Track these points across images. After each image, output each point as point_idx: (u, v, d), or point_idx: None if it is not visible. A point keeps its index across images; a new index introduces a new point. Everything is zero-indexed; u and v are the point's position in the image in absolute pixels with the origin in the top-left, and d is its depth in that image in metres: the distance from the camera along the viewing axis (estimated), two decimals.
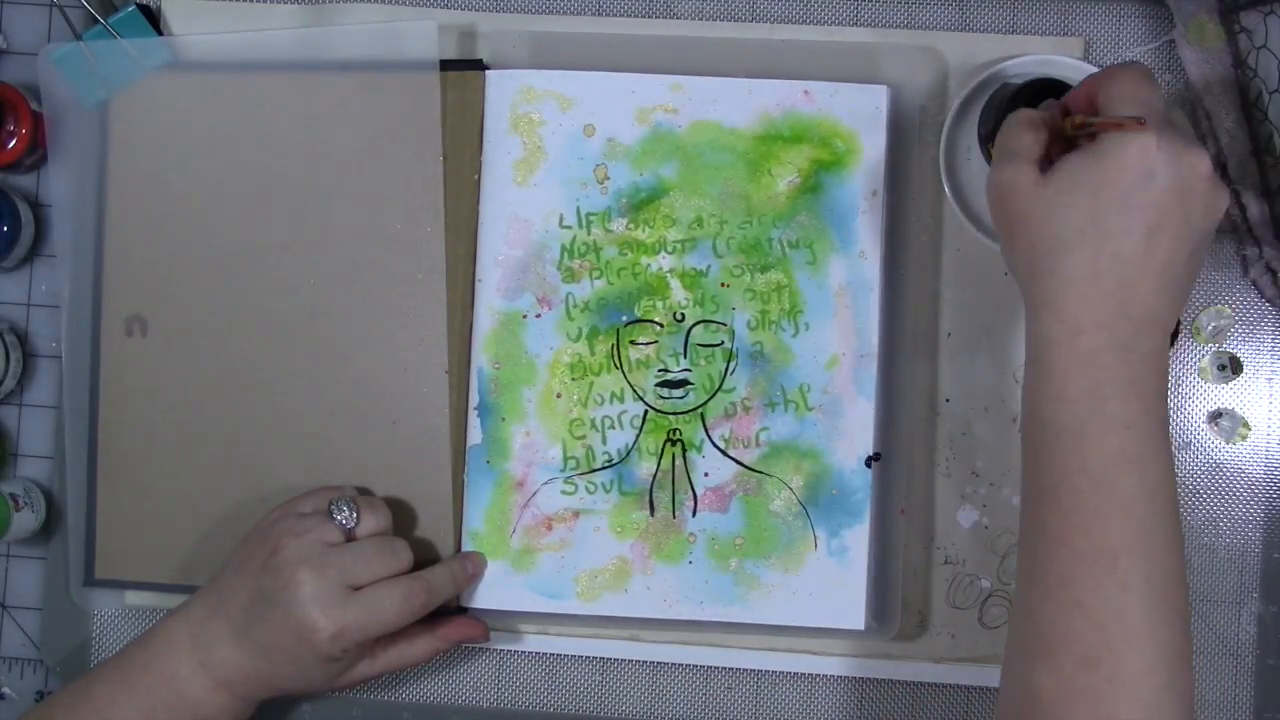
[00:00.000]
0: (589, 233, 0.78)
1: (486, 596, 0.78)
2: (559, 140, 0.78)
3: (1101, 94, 0.62)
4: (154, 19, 0.81)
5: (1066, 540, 0.59)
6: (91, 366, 0.80)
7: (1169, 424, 0.61)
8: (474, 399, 0.78)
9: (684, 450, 0.78)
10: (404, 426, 0.78)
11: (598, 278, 0.78)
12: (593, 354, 0.78)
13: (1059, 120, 0.65)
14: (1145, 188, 0.59)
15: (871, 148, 0.78)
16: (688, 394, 0.78)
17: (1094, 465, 0.59)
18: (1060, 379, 0.60)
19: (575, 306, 0.78)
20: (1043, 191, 0.61)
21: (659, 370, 0.78)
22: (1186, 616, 0.60)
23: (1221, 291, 0.80)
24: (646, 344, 0.78)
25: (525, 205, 0.78)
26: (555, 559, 0.78)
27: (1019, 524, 0.63)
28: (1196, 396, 0.79)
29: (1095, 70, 0.76)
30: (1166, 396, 0.61)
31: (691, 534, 0.77)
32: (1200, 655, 0.79)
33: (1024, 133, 0.63)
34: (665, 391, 0.78)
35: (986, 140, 0.77)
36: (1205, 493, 0.79)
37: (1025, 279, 0.63)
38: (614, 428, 0.78)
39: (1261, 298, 0.79)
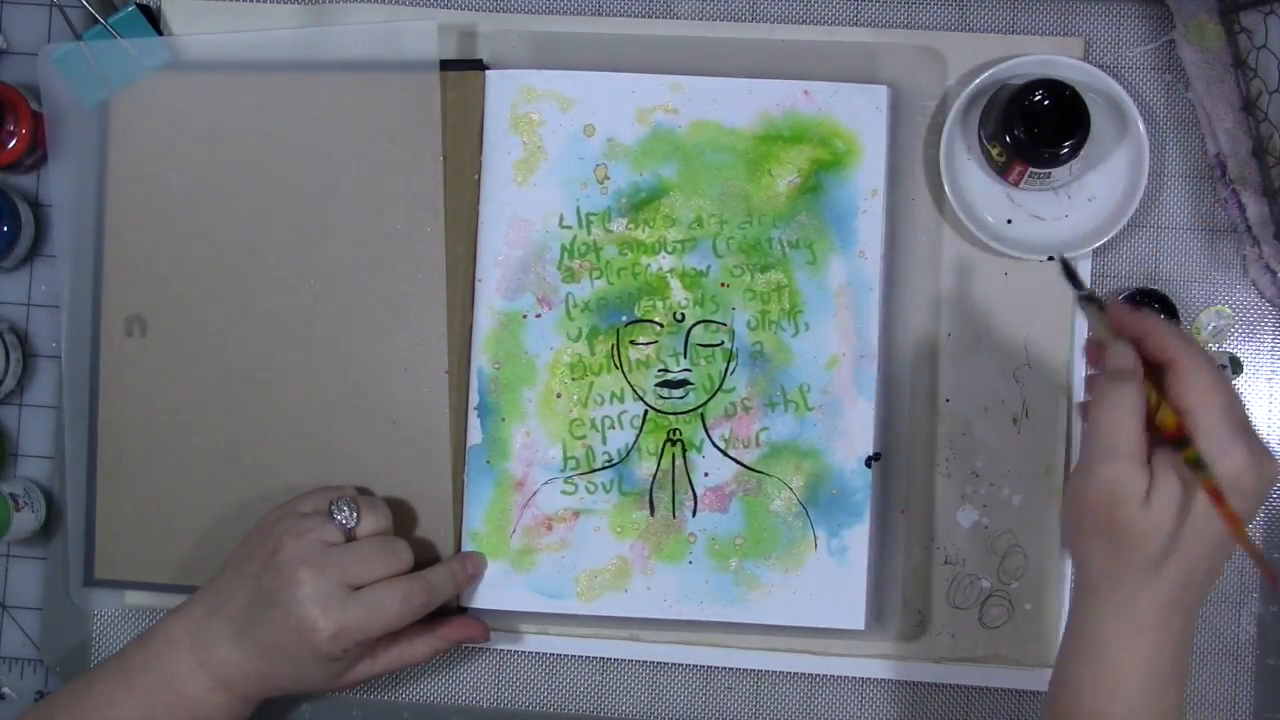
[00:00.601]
0: (589, 233, 0.78)
1: (486, 596, 0.78)
2: (559, 140, 0.78)
3: (1171, 379, 0.60)
4: (154, 19, 0.81)
5: None
6: (91, 366, 0.80)
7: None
8: (474, 399, 0.78)
9: (684, 450, 0.78)
10: (404, 426, 0.78)
11: (598, 278, 0.78)
12: (593, 354, 0.78)
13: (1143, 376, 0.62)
14: (1242, 497, 0.59)
15: (871, 148, 0.78)
16: (688, 394, 0.78)
17: None
18: (1117, 674, 0.61)
19: (575, 306, 0.78)
20: (1149, 514, 0.60)
21: (659, 370, 0.78)
22: None
23: (1221, 291, 0.80)
24: (646, 344, 0.78)
25: (525, 205, 0.78)
26: (555, 559, 0.78)
27: None
28: None
29: (1097, 71, 0.76)
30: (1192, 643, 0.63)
31: (691, 534, 0.77)
32: (1200, 655, 0.79)
33: (1133, 423, 0.60)
34: (665, 391, 0.78)
35: (987, 141, 0.77)
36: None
37: (1092, 570, 0.62)
38: (614, 428, 0.78)
39: (1261, 298, 0.79)
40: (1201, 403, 0.59)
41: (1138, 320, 0.63)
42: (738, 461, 0.77)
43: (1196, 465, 0.59)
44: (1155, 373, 0.61)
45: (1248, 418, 0.61)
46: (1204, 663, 0.79)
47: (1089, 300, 0.66)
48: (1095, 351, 0.66)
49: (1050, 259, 0.76)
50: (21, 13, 0.84)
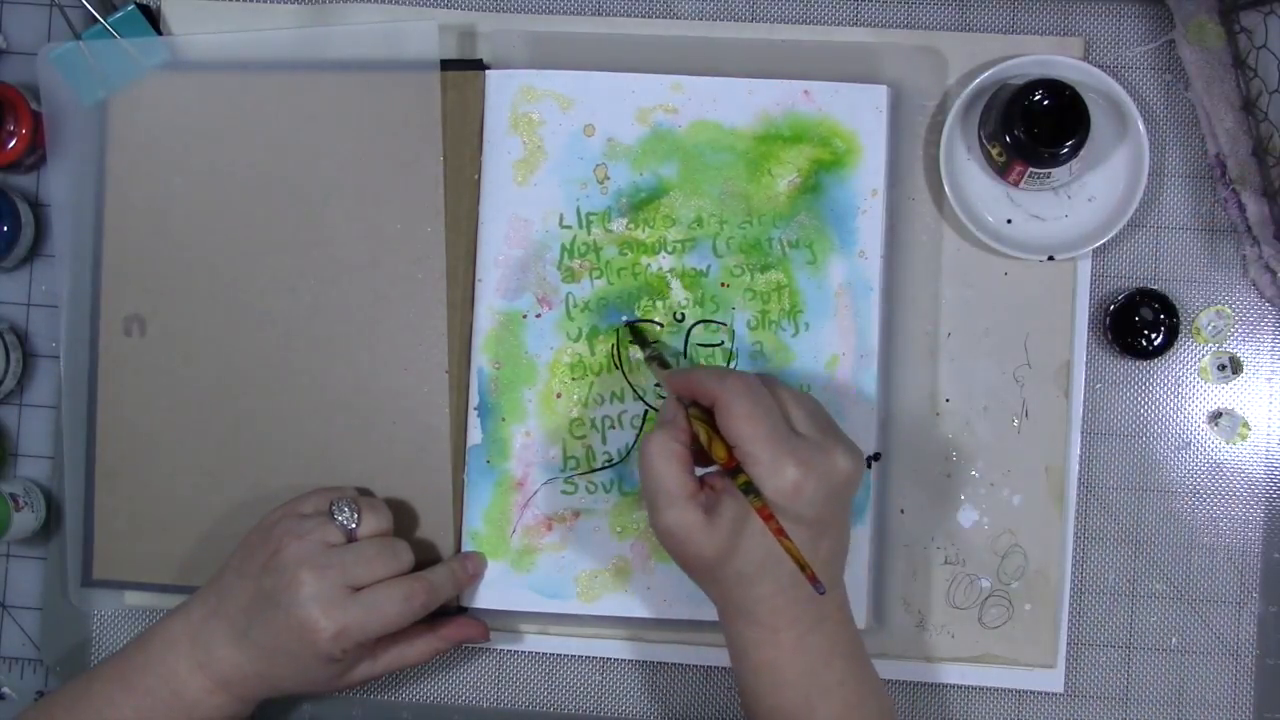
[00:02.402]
0: (589, 233, 0.78)
1: (486, 596, 0.78)
2: (559, 140, 0.78)
3: (719, 413, 0.64)
4: (154, 19, 0.81)
5: None
6: (90, 366, 0.80)
7: (862, 643, 0.67)
8: (474, 399, 0.78)
9: None
10: (404, 426, 0.78)
11: (598, 277, 0.78)
12: (593, 354, 0.78)
13: (688, 425, 0.66)
14: (796, 516, 0.62)
15: (871, 148, 0.78)
16: None
17: None
18: (774, 670, 0.66)
19: (575, 306, 0.78)
20: (717, 540, 0.64)
21: None
22: None
23: (1221, 291, 0.80)
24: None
25: (525, 205, 0.78)
26: (555, 559, 0.78)
27: None
28: (1196, 396, 0.79)
29: (1097, 71, 0.76)
30: (853, 622, 0.67)
31: None
32: (1200, 655, 0.79)
33: (672, 469, 0.65)
34: (665, 392, 0.78)
35: (987, 141, 0.77)
36: (1205, 493, 0.79)
37: (715, 598, 0.67)
38: (614, 427, 0.78)
39: (1261, 298, 0.79)
40: (744, 433, 0.63)
41: (684, 376, 0.67)
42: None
43: (747, 490, 0.62)
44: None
45: (799, 428, 0.64)
46: (1204, 663, 0.79)
47: (657, 362, 0.74)
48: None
49: (649, 362, 0.76)
50: (21, 13, 0.84)
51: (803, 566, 0.61)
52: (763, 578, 0.64)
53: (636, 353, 0.78)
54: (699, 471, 0.66)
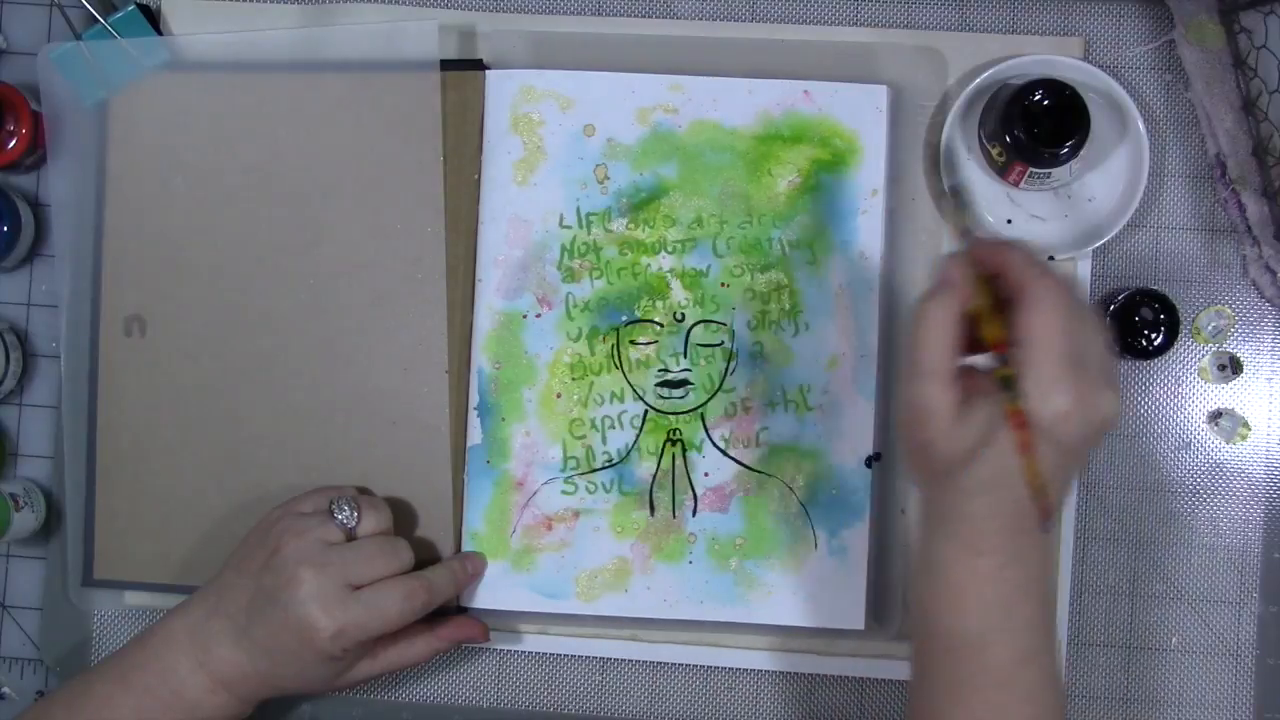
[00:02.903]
0: (589, 233, 0.78)
1: (486, 596, 0.78)
2: (559, 140, 0.78)
3: (1020, 304, 0.58)
4: (154, 19, 0.81)
5: None
6: (91, 366, 0.80)
7: (1052, 591, 0.63)
8: (474, 399, 0.78)
9: (684, 450, 0.78)
10: (404, 426, 0.78)
11: (598, 278, 0.78)
12: (593, 354, 0.78)
13: (968, 293, 0.61)
14: (1056, 451, 0.58)
15: (871, 148, 0.78)
16: (688, 394, 0.78)
17: (997, 668, 0.61)
18: (961, 593, 0.61)
19: (575, 306, 0.78)
20: (958, 433, 0.59)
21: (659, 370, 0.78)
22: None
23: (1221, 291, 0.80)
24: (646, 344, 0.78)
25: (525, 205, 0.78)
26: (555, 559, 0.78)
27: (909, 703, 0.64)
28: (1196, 396, 0.79)
29: (1097, 71, 0.76)
30: (1051, 567, 0.63)
31: (691, 534, 0.77)
32: (1200, 655, 0.79)
33: (943, 341, 0.59)
34: (665, 391, 0.78)
35: (987, 141, 0.77)
36: (1205, 493, 0.79)
37: (925, 494, 0.63)
38: (614, 428, 0.78)
39: (1261, 298, 0.79)
40: (1037, 338, 0.57)
41: (997, 247, 0.61)
42: (738, 461, 0.77)
43: (1005, 385, 0.58)
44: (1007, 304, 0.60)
45: (1086, 357, 0.58)
46: (1204, 663, 0.79)
47: (957, 198, 0.67)
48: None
49: (953, 195, 0.71)
50: (21, 13, 0.84)
51: (1037, 493, 0.57)
52: (982, 495, 0.59)
53: (636, 352, 0.78)
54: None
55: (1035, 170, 0.75)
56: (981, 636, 0.61)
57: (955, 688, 0.62)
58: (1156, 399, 0.79)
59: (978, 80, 0.77)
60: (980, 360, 0.61)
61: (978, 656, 0.61)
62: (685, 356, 0.78)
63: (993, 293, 0.60)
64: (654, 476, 0.78)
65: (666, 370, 0.78)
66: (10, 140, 0.80)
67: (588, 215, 0.78)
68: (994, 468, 0.59)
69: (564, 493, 0.78)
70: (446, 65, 0.79)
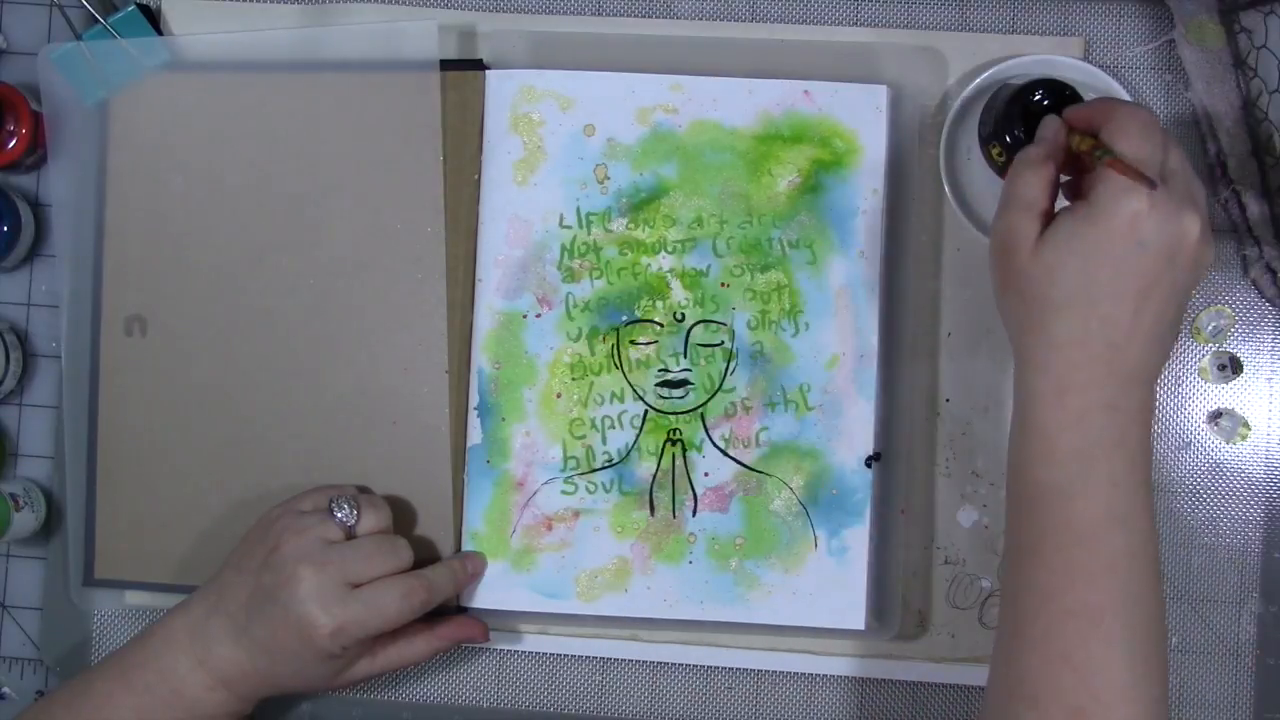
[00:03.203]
0: (589, 233, 0.78)
1: (486, 596, 0.78)
2: (559, 140, 0.78)
3: (1106, 129, 0.62)
4: (154, 19, 0.81)
5: (1052, 596, 0.60)
6: (91, 366, 0.80)
7: (1151, 477, 0.62)
8: (474, 399, 0.78)
9: (684, 450, 0.78)
10: (404, 426, 0.78)
11: (598, 278, 0.78)
12: (593, 354, 0.78)
13: (1064, 144, 0.64)
14: (1137, 254, 0.60)
15: (871, 148, 0.78)
16: (688, 394, 0.78)
17: (1081, 523, 0.60)
18: (1048, 438, 0.61)
19: (575, 306, 0.78)
20: (1040, 251, 0.61)
21: (659, 370, 0.78)
22: (1166, 670, 0.61)
23: (1221, 291, 0.80)
24: (646, 344, 0.78)
25: (525, 205, 0.78)
26: (555, 559, 0.78)
27: (1001, 574, 0.63)
28: (1196, 396, 0.79)
29: (1097, 71, 0.76)
30: (1150, 448, 0.62)
31: (691, 534, 0.77)
32: (1200, 655, 0.79)
33: (1033, 178, 0.63)
34: (665, 391, 0.78)
35: (987, 140, 0.77)
36: (1205, 493, 0.79)
37: (1015, 333, 0.63)
38: (614, 428, 0.78)
39: (1261, 298, 0.79)
40: (1116, 145, 0.60)
41: (1087, 108, 0.65)
42: (738, 461, 0.77)
43: (1100, 153, 0.60)
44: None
45: (1169, 175, 0.61)
46: (1204, 663, 0.79)
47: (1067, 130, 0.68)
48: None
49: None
50: (21, 13, 0.84)
51: (1130, 171, 0.58)
52: (1071, 311, 0.60)
53: (636, 352, 0.78)
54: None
55: None
56: (1066, 487, 0.60)
57: (1037, 543, 0.61)
58: (1157, 399, 0.79)
59: (978, 80, 0.77)
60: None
61: (1061, 509, 0.60)
62: (685, 356, 0.78)
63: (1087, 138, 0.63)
64: (654, 476, 0.78)
65: (666, 370, 0.78)
66: (10, 140, 0.80)
67: (588, 215, 0.78)
68: (1077, 279, 0.60)
69: (564, 493, 0.78)
70: (446, 65, 0.79)
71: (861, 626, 0.76)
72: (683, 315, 0.78)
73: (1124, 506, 0.60)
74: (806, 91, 0.78)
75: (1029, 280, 0.61)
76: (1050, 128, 0.65)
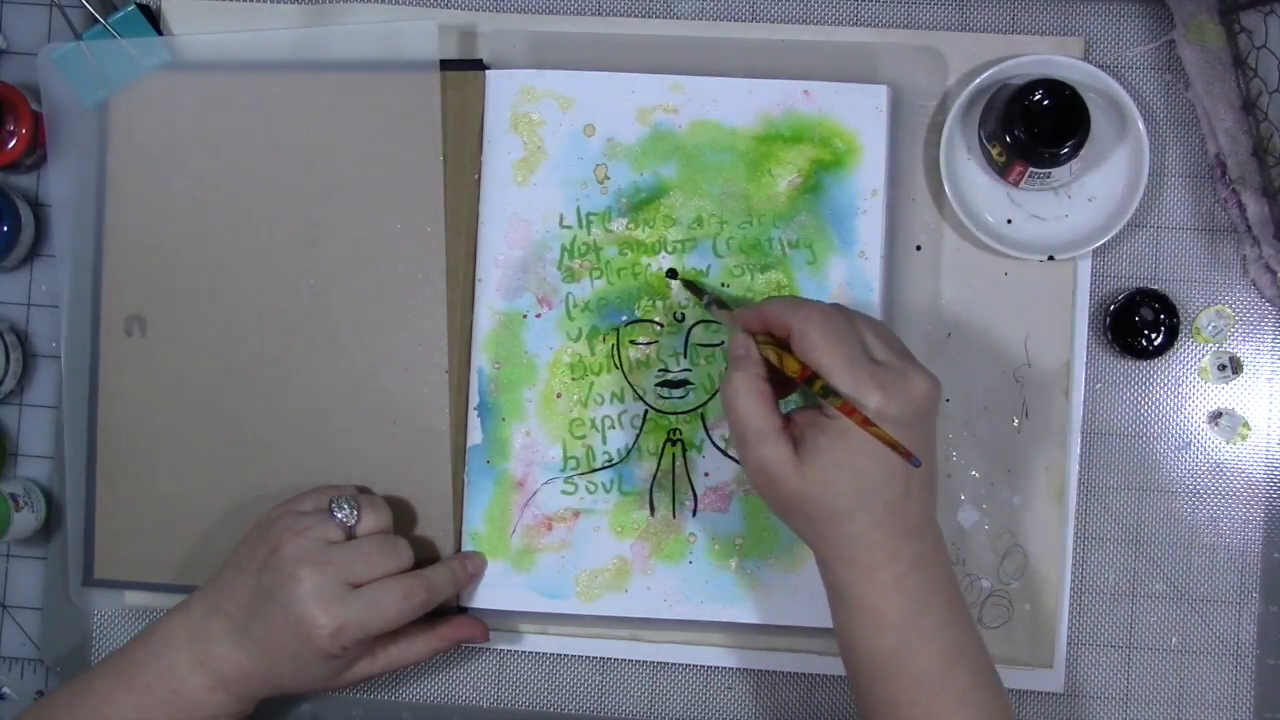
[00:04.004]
0: (589, 233, 0.78)
1: (486, 596, 0.78)
2: (559, 140, 0.78)
3: (795, 343, 0.64)
4: (154, 19, 0.81)
5: None
6: (91, 366, 0.80)
7: (960, 589, 0.66)
8: (474, 399, 0.78)
9: (684, 450, 0.78)
10: (404, 426, 0.78)
11: (598, 278, 0.78)
12: (593, 354, 0.78)
13: (760, 357, 0.66)
14: (895, 433, 0.61)
15: (871, 148, 0.78)
16: (688, 394, 0.78)
17: (925, 674, 0.64)
18: (874, 613, 0.64)
19: (575, 306, 0.78)
20: (807, 473, 0.63)
21: (659, 370, 0.78)
22: None
23: (1221, 291, 0.80)
24: (646, 344, 0.78)
25: (525, 205, 0.78)
26: (555, 559, 0.78)
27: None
28: (1196, 396, 0.79)
29: (1097, 71, 0.76)
30: (952, 570, 0.66)
31: (691, 534, 0.77)
32: (1200, 655, 0.79)
33: (752, 407, 0.65)
34: (665, 391, 0.78)
35: (987, 140, 0.77)
36: (1205, 493, 0.79)
37: (807, 538, 0.66)
38: (614, 427, 0.78)
39: (1261, 298, 0.79)
40: (823, 362, 0.63)
41: (756, 310, 0.67)
42: (738, 461, 0.77)
43: (825, 393, 0.62)
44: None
45: (876, 352, 0.64)
46: (1204, 663, 0.79)
47: (716, 304, 0.74)
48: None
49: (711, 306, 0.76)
50: (21, 13, 0.84)
51: (893, 445, 0.60)
52: (856, 511, 0.63)
53: (636, 352, 0.78)
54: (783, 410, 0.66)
55: (1035, 170, 0.75)
56: (905, 645, 0.64)
57: (891, 705, 0.65)
58: (1156, 399, 0.79)
59: (978, 80, 0.77)
60: (793, 408, 0.67)
61: (903, 668, 0.64)
62: (685, 356, 0.78)
63: (779, 343, 0.66)
64: (654, 476, 0.78)
65: (666, 370, 0.78)
66: (10, 140, 0.80)
67: (588, 215, 0.78)
68: (851, 483, 0.63)
69: (564, 493, 0.78)
70: (446, 65, 0.79)
71: None
72: (683, 315, 0.78)
73: (956, 641, 0.65)
74: (806, 91, 0.78)
75: (806, 500, 0.64)
76: (740, 346, 0.67)
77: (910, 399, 0.63)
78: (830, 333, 0.63)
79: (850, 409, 0.61)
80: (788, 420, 0.65)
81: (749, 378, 0.65)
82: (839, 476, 0.63)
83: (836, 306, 0.66)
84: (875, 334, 0.66)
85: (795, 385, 0.66)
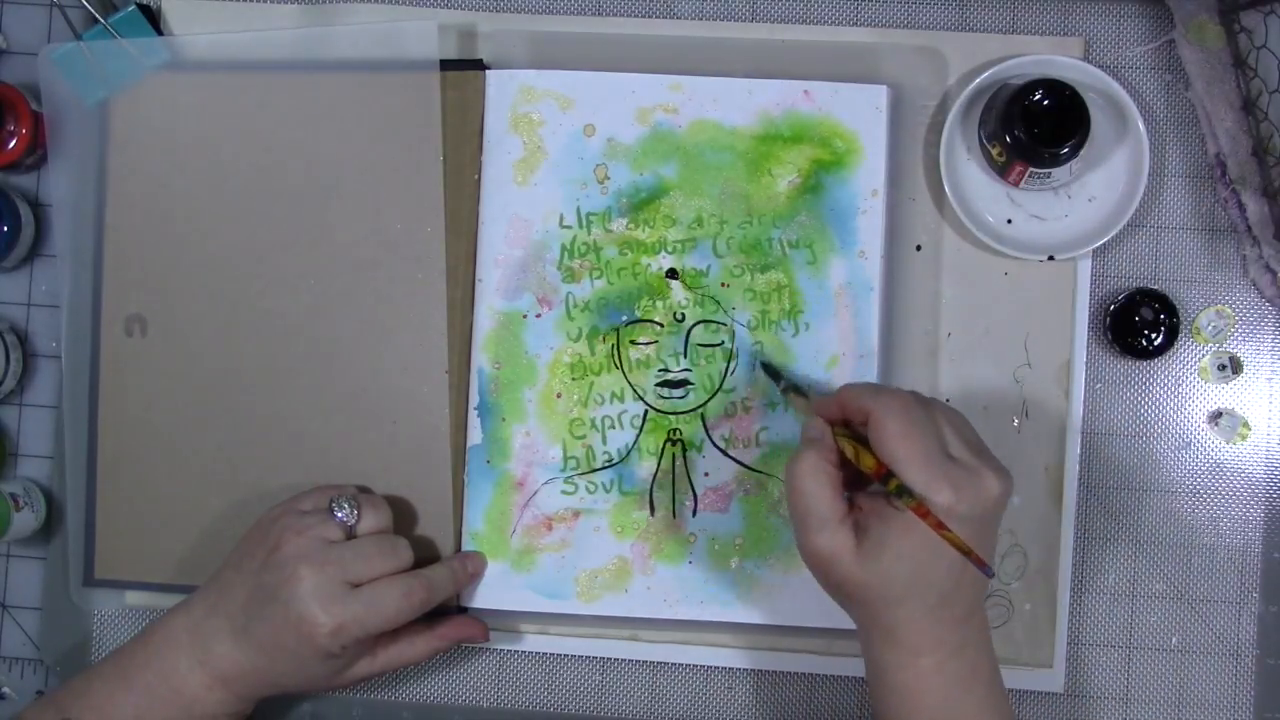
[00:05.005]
0: (589, 233, 0.78)
1: (486, 596, 0.78)
2: (559, 140, 0.78)
3: (872, 433, 0.63)
4: (154, 19, 0.81)
5: None
6: (91, 366, 0.80)
7: (999, 673, 0.66)
8: (474, 399, 0.78)
9: (684, 450, 0.78)
10: (404, 426, 0.78)
11: (598, 278, 0.78)
12: (593, 354, 0.78)
13: (834, 444, 0.66)
14: (956, 529, 0.61)
15: (871, 148, 0.78)
16: (688, 394, 0.78)
17: None
18: (912, 695, 0.64)
19: (575, 306, 0.78)
20: (866, 564, 0.63)
21: (659, 370, 0.78)
22: None
23: (1221, 291, 0.80)
24: (646, 344, 0.78)
25: (525, 205, 0.78)
26: (555, 559, 0.78)
27: None
28: (1196, 396, 0.79)
29: (1097, 71, 0.76)
30: (993, 652, 0.66)
31: (691, 534, 0.77)
32: (1200, 655, 0.79)
33: (819, 491, 0.64)
34: (665, 391, 0.78)
35: (987, 140, 0.77)
36: (1205, 493, 0.79)
37: (856, 618, 0.66)
38: (614, 427, 0.78)
39: (1261, 298, 0.79)
40: (899, 454, 0.62)
41: (833, 398, 0.67)
42: (738, 461, 0.77)
43: (901, 493, 0.62)
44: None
45: (953, 447, 0.64)
46: (1204, 663, 0.79)
47: (794, 391, 0.74)
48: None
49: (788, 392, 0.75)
50: (21, 13, 0.84)
51: (967, 553, 0.60)
52: (909, 599, 0.63)
53: (636, 352, 0.78)
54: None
55: (1035, 170, 0.75)
56: None
57: None
58: (1156, 399, 0.79)
59: (978, 80, 0.77)
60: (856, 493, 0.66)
61: None
62: (685, 356, 0.78)
63: (856, 437, 0.65)
64: (654, 476, 0.78)
65: (666, 370, 0.78)
66: (10, 140, 0.80)
67: (588, 215, 0.78)
68: (906, 573, 0.62)
69: (564, 493, 0.78)
70: (446, 65, 0.79)
71: None
72: (683, 315, 0.78)
73: None
74: (806, 91, 0.78)
75: (862, 587, 0.64)
76: (814, 430, 0.66)
77: (980, 499, 0.62)
78: (909, 424, 0.63)
79: (925, 511, 0.61)
80: (851, 505, 0.65)
81: (817, 460, 0.64)
82: (898, 568, 0.62)
83: (915, 395, 0.65)
84: (953, 427, 0.65)
85: (866, 481, 0.65)
